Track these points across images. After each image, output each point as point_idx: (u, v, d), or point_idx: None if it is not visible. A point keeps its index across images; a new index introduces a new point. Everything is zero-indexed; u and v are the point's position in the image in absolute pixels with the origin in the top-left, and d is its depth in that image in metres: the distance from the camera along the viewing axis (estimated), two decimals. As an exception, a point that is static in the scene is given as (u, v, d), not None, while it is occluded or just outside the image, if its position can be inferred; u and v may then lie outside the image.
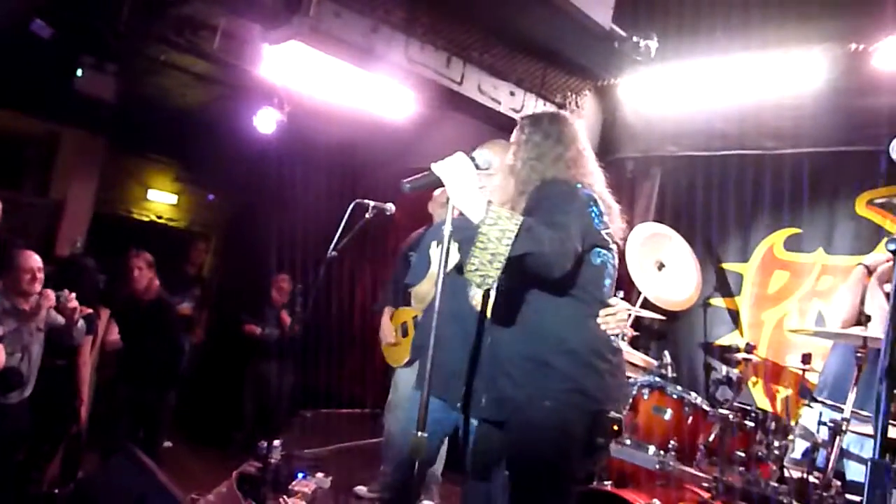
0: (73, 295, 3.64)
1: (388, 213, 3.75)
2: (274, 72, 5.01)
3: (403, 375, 4.13)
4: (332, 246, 3.55)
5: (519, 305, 2.04)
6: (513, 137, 2.23)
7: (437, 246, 3.93)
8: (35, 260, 3.54)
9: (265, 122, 5.95)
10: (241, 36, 4.85)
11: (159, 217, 7.86)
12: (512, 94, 4.21)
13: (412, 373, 4.10)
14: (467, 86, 4.02)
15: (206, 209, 8.17)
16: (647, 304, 4.06)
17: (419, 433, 1.68)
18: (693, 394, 3.42)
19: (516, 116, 4.46)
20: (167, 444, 4.78)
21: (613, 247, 2.11)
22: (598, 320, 2.01)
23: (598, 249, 2.05)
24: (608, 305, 2.04)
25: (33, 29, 4.69)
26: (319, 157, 6.74)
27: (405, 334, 4.13)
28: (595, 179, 2.18)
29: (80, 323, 3.75)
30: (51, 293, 3.57)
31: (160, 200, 7.84)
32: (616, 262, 2.14)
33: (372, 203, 3.66)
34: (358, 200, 3.62)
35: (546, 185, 2.07)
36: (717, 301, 4.31)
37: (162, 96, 6.45)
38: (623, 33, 2.84)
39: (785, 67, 3.83)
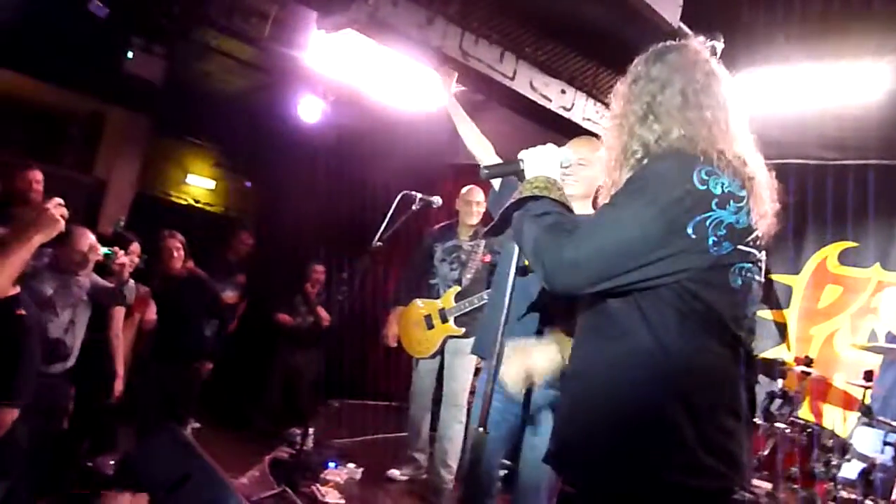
0: (122, 252, 3.64)
1: (434, 206, 3.74)
2: (320, 60, 5.03)
3: (426, 366, 4.19)
4: (377, 236, 3.54)
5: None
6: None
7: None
8: (89, 238, 3.56)
9: (309, 110, 5.98)
10: (291, 23, 4.87)
11: (197, 201, 7.93)
12: (563, 91, 4.16)
13: (434, 364, 4.13)
14: (519, 81, 3.97)
15: (243, 195, 8.23)
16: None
17: (480, 429, 1.65)
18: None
19: (565, 115, 4.46)
20: (195, 424, 4.80)
21: (762, 254, 1.44)
22: None
23: (738, 265, 1.38)
24: (740, 342, 1.41)
25: (90, 8, 4.75)
26: (360, 148, 6.74)
27: (430, 326, 4.15)
28: (739, 146, 1.44)
29: (130, 282, 3.74)
30: (98, 246, 3.57)
31: (199, 184, 7.92)
32: (762, 276, 1.46)
33: (419, 195, 3.66)
34: (405, 192, 3.61)
35: (646, 165, 1.44)
36: (764, 313, 4.21)
37: (207, 81, 6.51)
38: (689, 32, 2.77)
39: (848, 78, 3.73)
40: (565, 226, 1.43)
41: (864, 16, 3.61)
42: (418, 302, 4.25)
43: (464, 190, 4.28)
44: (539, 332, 2.23)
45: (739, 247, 1.37)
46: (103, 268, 3.75)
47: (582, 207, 2.77)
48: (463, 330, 4.02)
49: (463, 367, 4.02)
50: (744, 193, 1.37)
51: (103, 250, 3.56)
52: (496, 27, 3.74)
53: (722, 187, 1.34)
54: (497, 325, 1.74)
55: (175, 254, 4.45)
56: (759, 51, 3.46)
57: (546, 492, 2.27)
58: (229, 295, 5.69)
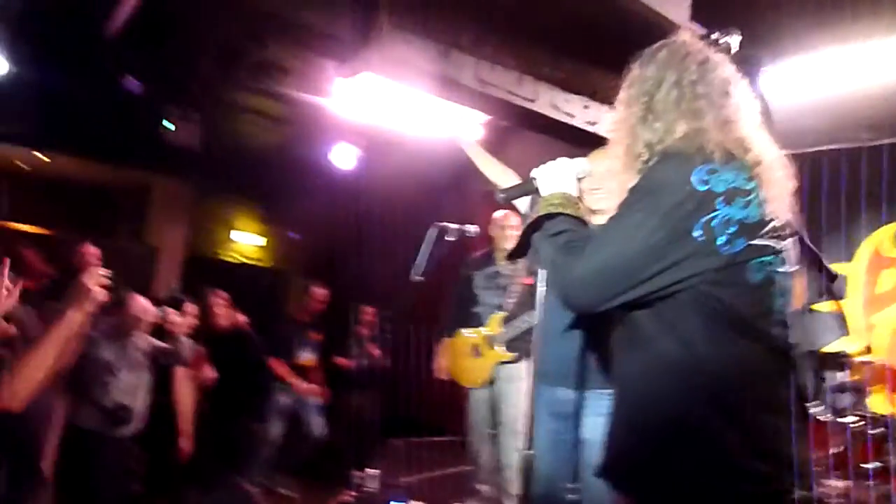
0: (173, 311, 3.78)
1: (469, 235, 3.74)
2: (348, 107, 5.16)
3: (480, 395, 4.14)
4: (417, 270, 3.56)
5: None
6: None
7: None
8: (141, 302, 3.70)
9: (342, 157, 6.13)
10: (314, 75, 5.03)
11: (247, 258, 8.15)
12: (586, 107, 4.17)
13: (488, 393, 4.10)
14: (540, 102, 4.00)
15: (291, 248, 8.41)
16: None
17: (527, 450, 1.64)
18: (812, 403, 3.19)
19: (591, 129, 4.45)
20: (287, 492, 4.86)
21: (785, 244, 1.39)
22: None
23: (757, 260, 1.34)
24: (770, 338, 1.38)
25: (125, 85, 5.01)
26: (397, 187, 6.84)
27: (479, 355, 4.10)
28: (743, 130, 1.40)
29: (185, 339, 3.87)
30: (152, 309, 3.71)
31: (247, 241, 8.14)
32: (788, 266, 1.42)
33: (453, 225, 3.67)
34: (440, 223, 3.62)
35: (647, 172, 1.40)
36: (822, 306, 4.04)
37: (243, 140, 6.74)
38: (702, 30, 2.74)
39: (876, 57, 3.63)
40: (577, 243, 1.40)
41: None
42: (465, 332, 4.21)
43: (497, 215, 4.28)
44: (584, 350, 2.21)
45: (755, 241, 1.32)
46: (160, 331, 3.89)
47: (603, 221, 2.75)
48: (513, 355, 3.99)
49: (516, 393, 3.96)
50: (751, 185, 1.33)
51: (155, 311, 3.69)
52: (511, 51, 3.79)
53: (725, 184, 1.30)
54: (539, 347, 1.73)
55: (217, 311, 4.58)
56: (784, 41, 3.40)
57: None
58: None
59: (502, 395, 4.04)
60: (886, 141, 3.81)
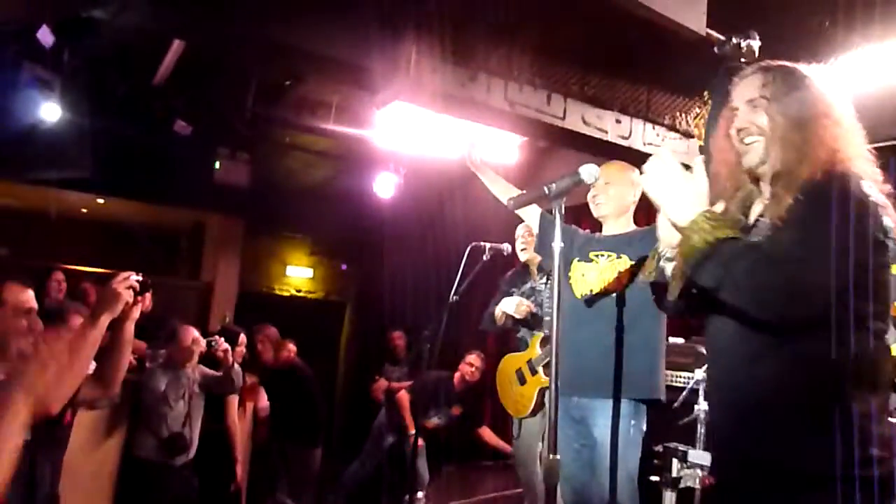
0: (223, 339, 3.90)
1: (505, 254, 3.75)
2: (387, 137, 5.30)
3: (529, 427, 3.88)
4: (452, 291, 3.58)
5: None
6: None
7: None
8: (192, 333, 3.85)
9: (384, 186, 6.27)
10: (353, 108, 5.21)
11: (298, 290, 8.36)
12: (618, 121, 4.17)
13: (538, 423, 3.96)
14: (571, 120, 4.02)
15: (341, 279, 8.59)
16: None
17: (551, 455, 1.64)
18: None
19: (625, 143, 4.45)
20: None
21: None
22: None
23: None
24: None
25: (175, 129, 5.27)
26: (439, 211, 6.93)
27: (523, 382, 3.87)
28: (870, 165, 1.48)
29: (236, 367, 3.98)
30: (201, 339, 3.85)
31: (298, 274, 8.35)
32: None
33: (488, 245, 3.67)
34: (474, 243, 3.64)
35: (825, 183, 1.42)
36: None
37: (290, 176, 6.98)
38: (720, 37, 2.74)
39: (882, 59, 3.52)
40: (767, 262, 1.42)
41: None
42: (510, 357, 4.01)
43: (520, 228, 3.99)
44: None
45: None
46: (213, 361, 4.03)
47: (616, 226, 2.76)
48: (554, 377, 3.83)
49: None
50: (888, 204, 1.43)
51: (206, 341, 3.83)
52: (538, 72, 3.84)
53: (882, 198, 1.41)
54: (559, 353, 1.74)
55: (262, 347, 4.72)
56: (802, 41, 3.34)
57: None
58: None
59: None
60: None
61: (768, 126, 1.53)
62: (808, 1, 2.98)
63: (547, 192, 1.76)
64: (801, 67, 1.59)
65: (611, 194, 2.65)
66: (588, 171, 1.81)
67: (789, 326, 1.41)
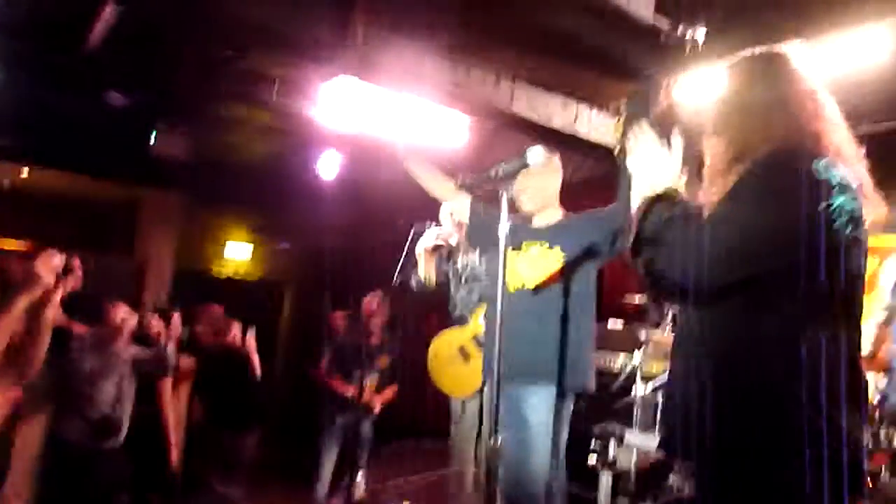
0: (156, 316, 3.77)
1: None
2: (331, 114, 5.17)
3: (471, 408, 3.78)
4: (396, 273, 3.55)
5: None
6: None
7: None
8: (120, 310, 3.71)
9: (328, 165, 6.14)
10: (297, 82, 5.04)
11: (236, 271, 8.15)
12: (564, 106, 4.19)
13: (477, 404, 3.69)
14: (518, 104, 4.01)
15: (282, 258, 8.41)
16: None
17: (492, 439, 1.64)
18: None
19: (571, 129, 4.47)
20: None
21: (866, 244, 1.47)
22: None
23: (858, 251, 1.44)
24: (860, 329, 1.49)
25: (108, 99, 5.02)
26: (384, 193, 6.85)
27: (467, 359, 3.75)
28: (837, 136, 1.49)
29: (170, 347, 3.85)
30: (132, 317, 3.70)
31: (237, 253, 8.14)
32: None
33: (433, 225, 3.62)
34: (418, 224, 3.58)
35: (766, 159, 1.45)
36: None
37: (231, 151, 6.75)
38: (667, 25, 2.77)
39: (842, 48, 3.63)
40: (693, 229, 1.46)
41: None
42: (448, 334, 3.88)
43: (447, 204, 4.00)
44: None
45: (858, 233, 1.41)
46: (148, 343, 3.88)
47: (545, 216, 2.77)
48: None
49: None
50: (856, 185, 1.42)
51: (136, 319, 3.70)
52: (488, 53, 3.81)
53: (838, 177, 1.39)
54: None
55: (201, 327, 4.59)
56: (748, 32, 3.40)
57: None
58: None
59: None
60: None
61: (722, 114, 1.60)
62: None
63: (494, 174, 1.76)
64: (759, 51, 1.63)
65: (531, 185, 2.63)
66: (535, 154, 1.80)
67: (708, 293, 1.44)
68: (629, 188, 1.60)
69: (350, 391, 4.84)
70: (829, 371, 1.36)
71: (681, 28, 2.69)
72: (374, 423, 5.04)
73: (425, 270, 3.59)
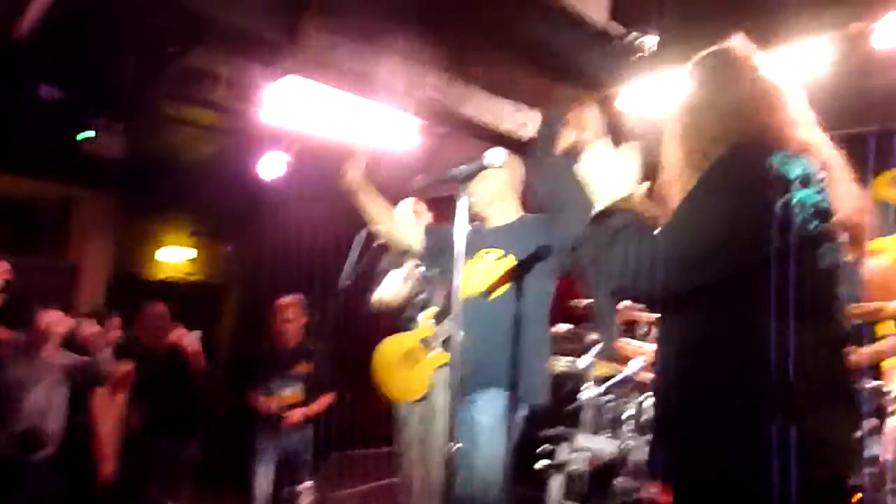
0: (92, 321, 3.60)
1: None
2: (278, 113, 5.06)
3: (417, 413, 3.57)
4: (342, 276, 3.48)
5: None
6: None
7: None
8: (51, 315, 3.52)
9: (273, 165, 6.01)
10: (243, 81, 4.92)
11: (176, 273, 7.89)
12: (516, 111, 4.20)
13: (425, 409, 3.80)
14: (469, 107, 4.01)
15: (224, 261, 8.18)
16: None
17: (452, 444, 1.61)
18: None
19: (521, 134, 4.49)
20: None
21: (843, 236, 1.42)
22: None
23: (828, 245, 1.38)
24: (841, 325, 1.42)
25: (41, 94, 4.78)
26: (331, 193, 6.74)
27: (416, 362, 3.51)
28: (803, 132, 1.44)
29: (107, 353, 3.67)
30: (63, 322, 3.52)
31: (177, 256, 7.88)
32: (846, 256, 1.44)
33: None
34: (369, 227, 3.53)
35: (723, 156, 1.42)
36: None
37: (172, 151, 6.54)
38: (621, 30, 2.80)
39: (784, 60, 3.76)
40: (647, 232, 1.42)
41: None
42: (394, 339, 3.69)
43: (399, 206, 3.82)
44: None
45: (827, 227, 1.36)
46: (82, 349, 3.70)
47: (499, 216, 2.76)
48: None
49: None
50: (823, 175, 1.37)
51: (69, 323, 3.52)
52: (440, 56, 3.78)
53: (800, 169, 1.34)
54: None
55: (142, 329, 4.41)
56: (698, 41, 3.48)
57: None
58: (289, 394, 4.61)
59: (439, 404, 3.76)
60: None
61: (678, 118, 1.56)
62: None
63: (452, 175, 1.73)
64: (711, 50, 1.59)
65: (485, 184, 2.60)
66: (494, 156, 1.79)
67: (663, 301, 1.43)
68: (579, 196, 1.56)
69: (270, 406, 4.48)
70: (798, 374, 1.30)
71: (633, 34, 2.72)
72: (308, 434, 4.63)
73: (392, 290, 3.59)
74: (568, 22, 2.76)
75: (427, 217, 3.88)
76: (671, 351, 1.51)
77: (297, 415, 4.50)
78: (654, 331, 3.71)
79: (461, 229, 1.76)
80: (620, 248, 1.41)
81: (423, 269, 3.80)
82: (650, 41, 2.81)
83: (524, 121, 4.21)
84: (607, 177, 1.52)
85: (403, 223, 3.80)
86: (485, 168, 1.79)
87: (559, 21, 2.78)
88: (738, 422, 1.34)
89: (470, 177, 1.77)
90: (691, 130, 1.51)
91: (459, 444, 1.65)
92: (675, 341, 1.48)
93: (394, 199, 5.71)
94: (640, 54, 2.81)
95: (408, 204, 3.84)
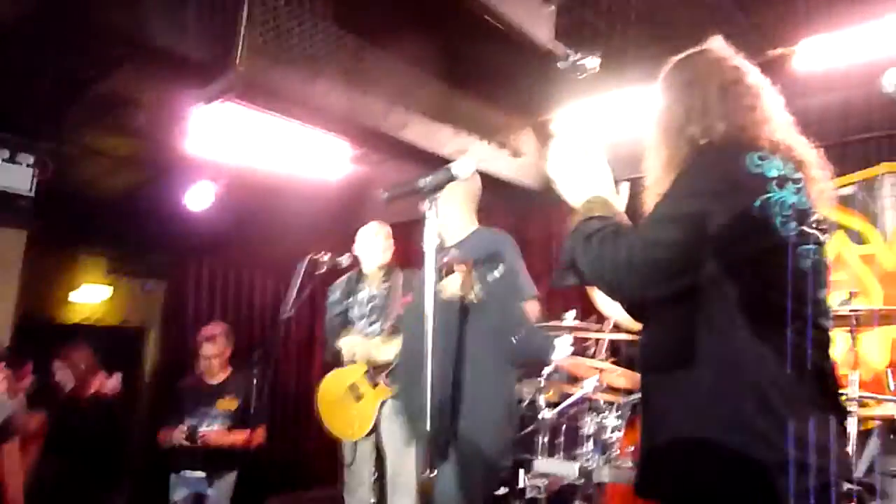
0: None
1: (343, 265, 3.58)
2: (206, 141, 4.85)
3: (365, 448, 3.63)
4: (284, 306, 3.34)
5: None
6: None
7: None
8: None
9: (198, 197, 5.76)
10: (167, 107, 4.68)
11: (90, 315, 7.41)
12: (455, 135, 4.18)
13: (371, 444, 3.55)
14: (409, 131, 3.95)
15: (144, 300, 7.75)
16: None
17: (428, 473, 1.50)
18: None
19: (460, 158, 4.46)
20: None
21: (825, 237, 1.41)
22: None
23: (806, 247, 1.35)
24: (823, 329, 1.38)
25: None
26: (264, 223, 6.53)
27: (359, 397, 3.59)
28: (781, 133, 1.44)
29: (16, 400, 3.34)
30: None
31: (92, 296, 7.40)
32: (827, 257, 1.43)
33: (324, 257, 3.48)
34: (311, 256, 3.44)
35: (699, 155, 1.42)
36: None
37: (87, 184, 6.17)
38: (565, 51, 2.81)
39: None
40: (623, 233, 1.40)
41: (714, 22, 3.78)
42: (337, 373, 3.66)
43: (365, 229, 3.75)
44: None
45: (805, 228, 1.35)
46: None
47: (454, 233, 2.71)
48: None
49: (401, 429, 3.65)
50: (799, 175, 1.38)
51: None
52: (382, 80, 3.72)
53: (777, 170, 1.34)
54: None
55: (61, 375, 4.08)
56: (635, 64, 3.55)
57: None
58: (216, 431, 4.31)
59: (391, 437, 3.59)
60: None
61: (655, 127, 1.55)
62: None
63: (421, 186, 1.67)
64: (685, 54, 1.60)
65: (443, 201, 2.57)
66: (461, 166, 1.73)
67: (639, 309, 1.42)
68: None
69: (174, 435, 4.19)
70: (771, 380, 1.28)
71: (576, 55, 2.74)
72: (229, 481, 4.32)
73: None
74: (511, 41, 2.75)
75: (390, 242, 3.77)
76: (651, 354, 1.48)
77: (212, 436, 4.22)
78: (604, 349, 3.71)
79: (430, 241, 1.67)
80: (597, 250, 1.38)
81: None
82: (593, 62, 2.83)
83: (464, 145, 4.19)
84: (575, 175, 1.50)
85: (369, 246, 3.71)
86: (453, 179, 1.72)
87: (502, 40, 2.77)
88: (724, 427, 1.30)
89: (437, 188, 1.71)
90: (670, 133, 1.50)
91: (435, 472, 1.54)
92: (655, 345, 1.46)
93: (334, 225, 5.60)
94: (583, 75, 2.82)
95: (372, 227, 3.74)
